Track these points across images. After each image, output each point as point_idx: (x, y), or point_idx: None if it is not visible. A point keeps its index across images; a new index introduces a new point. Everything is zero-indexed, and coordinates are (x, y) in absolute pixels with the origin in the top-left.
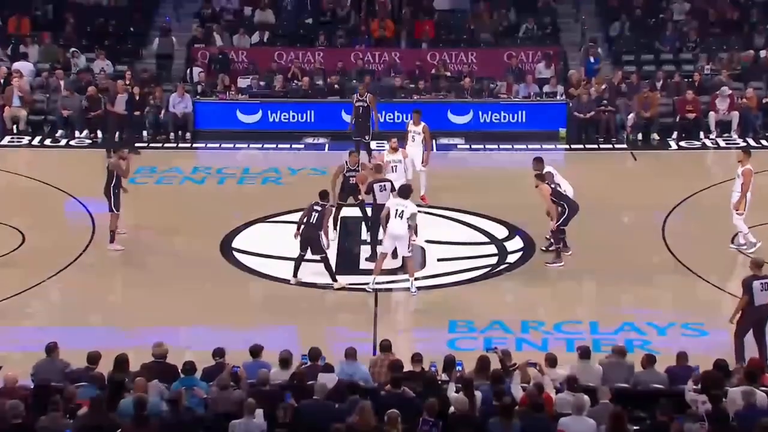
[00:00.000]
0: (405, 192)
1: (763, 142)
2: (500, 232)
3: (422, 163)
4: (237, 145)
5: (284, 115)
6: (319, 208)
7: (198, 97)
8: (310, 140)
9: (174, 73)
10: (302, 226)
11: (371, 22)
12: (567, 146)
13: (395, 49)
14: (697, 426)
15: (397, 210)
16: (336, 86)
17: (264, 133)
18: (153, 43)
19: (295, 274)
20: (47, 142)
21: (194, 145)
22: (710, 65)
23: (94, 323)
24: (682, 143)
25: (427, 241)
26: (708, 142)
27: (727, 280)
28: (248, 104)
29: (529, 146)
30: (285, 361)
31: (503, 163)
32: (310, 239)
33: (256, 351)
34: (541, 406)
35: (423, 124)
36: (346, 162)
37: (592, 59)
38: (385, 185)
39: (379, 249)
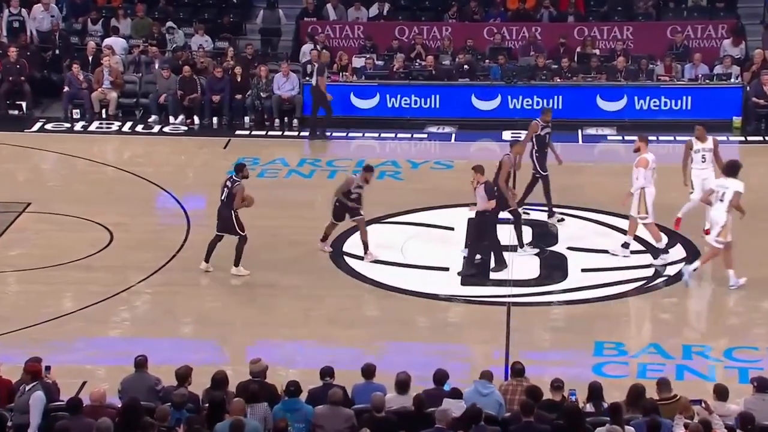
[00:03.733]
0: (732, 169)
1: None
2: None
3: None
4: (350, 134)
5: (405, 100)
6: (229, 184)
7: (307, 78)
8: (434, 129)
9: (281, 50)
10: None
11: None
12: (742, 138)
13: (536, 23)
14: None
15: (718, 191)
16: (465, 67)
17: (381, 120)
18: (257, 16)
19: (236, 264)
20: (139, 128)
21: (302, 133)
22: None
23: (186, 335)
24: None
25: (569, 249)
26: None
27: None
28: (364, 87)
29: None
30: (403, 384)
31: (662, 158)
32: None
33: (369, 371)
34: None
35: (710, 138)
36: (508, 153)
37: None
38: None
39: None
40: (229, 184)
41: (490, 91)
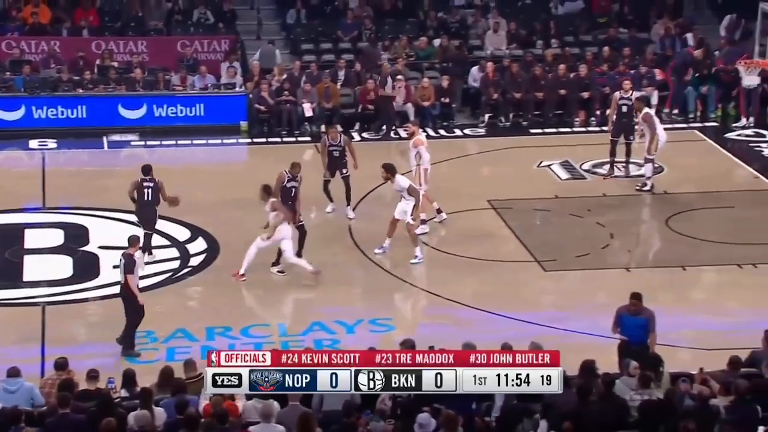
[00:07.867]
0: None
1: (442, 132)
2: (182, 233)
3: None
4: None
5: None
6: (150, 184)
7: None
8: None
9: None
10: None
11: (23, 6)
12: (249, 140)
13: (54, 37)
14: (383, 424)
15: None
16: None
17: None
18: None
19: (150, 251)
20: None
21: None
22: (387, 54)
23: None
24: (365, 134)
25: (101, 248)
26: (390, 133)
27: (409, 272)
28: None
29: (210, 141)
30: None
31: (183, 160)
32: (150, 218)
33: None
34: (225, 416)
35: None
36: (327, 136)
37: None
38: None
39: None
40: (150, 183)
41: (14, 102)
